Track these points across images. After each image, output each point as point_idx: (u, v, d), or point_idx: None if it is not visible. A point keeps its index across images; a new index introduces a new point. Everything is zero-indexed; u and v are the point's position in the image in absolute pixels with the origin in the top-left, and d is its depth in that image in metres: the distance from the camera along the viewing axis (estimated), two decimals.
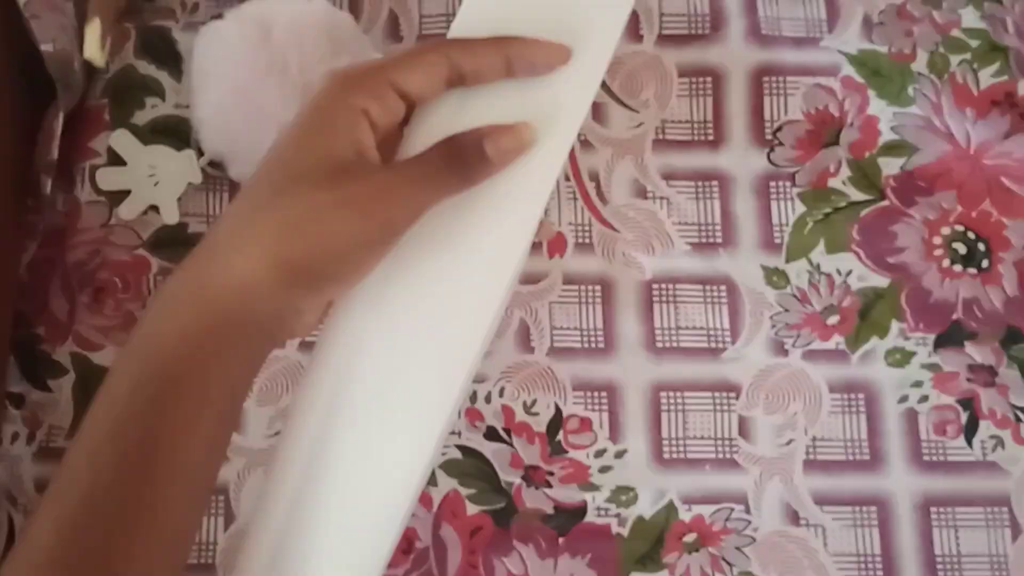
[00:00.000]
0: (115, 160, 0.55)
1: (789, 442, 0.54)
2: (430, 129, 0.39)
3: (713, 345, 0.55)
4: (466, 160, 0.38)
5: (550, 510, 0.53)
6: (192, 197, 0.56)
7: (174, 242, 0.55)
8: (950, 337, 0.55)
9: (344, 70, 0.37)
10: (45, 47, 0.49)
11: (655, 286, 0.56)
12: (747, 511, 0.54)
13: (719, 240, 0.56)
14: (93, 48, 0.50)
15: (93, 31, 0.50)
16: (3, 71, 0.51)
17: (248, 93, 0.50)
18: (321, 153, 0.36)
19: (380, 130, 0.37)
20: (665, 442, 0.54)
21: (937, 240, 0.56)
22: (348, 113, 0.36)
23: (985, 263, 0.56)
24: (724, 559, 0.53)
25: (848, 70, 0.58)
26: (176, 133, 0.56)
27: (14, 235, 0.53)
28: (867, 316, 0.56)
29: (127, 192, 0.55)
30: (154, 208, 0.55)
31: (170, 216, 0.55)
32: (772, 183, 0.57)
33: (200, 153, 0.55)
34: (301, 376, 0.40)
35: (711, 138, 0.58)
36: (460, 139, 0.38)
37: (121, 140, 0.55)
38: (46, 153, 0.51)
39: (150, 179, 0.55)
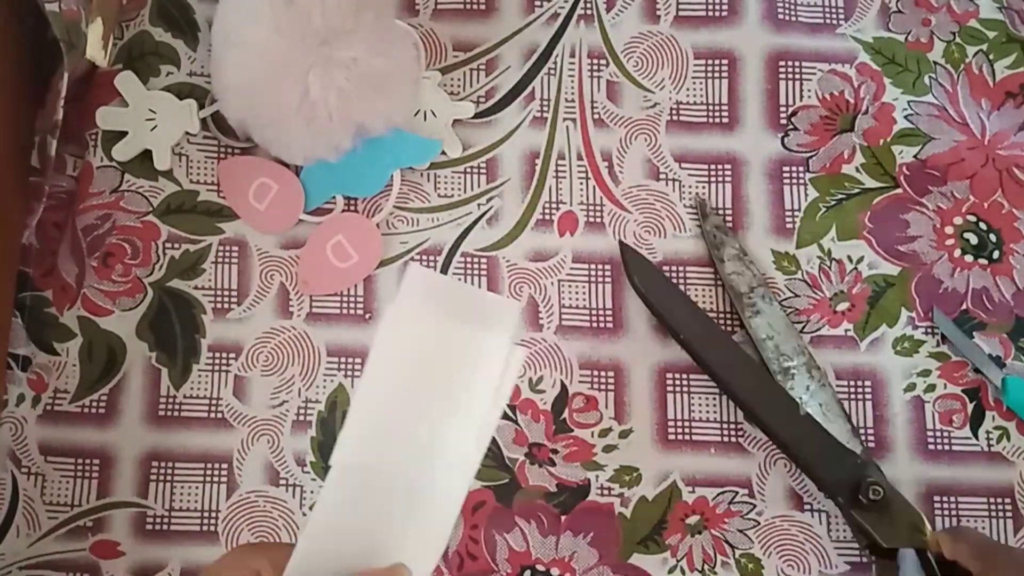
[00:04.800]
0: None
1: None
2: None
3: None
4: None
5: (553, 488, 0.53)
6: (204, 166, 0.56)
7: (184, 209, 0.55)
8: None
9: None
10: (51, 7, 0.49)
11: (665, 268, 0.56)
12: (751, 495, 0.53)
13: (730, 223, 0.56)
14: (95, 48, 0.50)
15: (95, 32, 0.50)
16: (8, 32, 0.51)
17: (273, 53, 0.50)
18: None
19: None
20: (670, 423, 0.54)
21: (949, 230, 0.56)
22: None
23: (996, 254, 0.56)
24: (727, 541, 0.53)
25: (864, 57, 0.58)
26: None
27: (18, 196, 0.53)
28: (876, 304, 0.56)
29: (124, 134, 0.55)
30: (148, 153, 0.55)
31: (162, 162, 0.55)
32: (785, 168, 0.57)
33: (201, 106, 0.55)
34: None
35: (725, 121, 0.57)
36: None
37: (126, 81, 0.55)
38: (52, 113, 0.51)
39: (148, 123, 0.55)
